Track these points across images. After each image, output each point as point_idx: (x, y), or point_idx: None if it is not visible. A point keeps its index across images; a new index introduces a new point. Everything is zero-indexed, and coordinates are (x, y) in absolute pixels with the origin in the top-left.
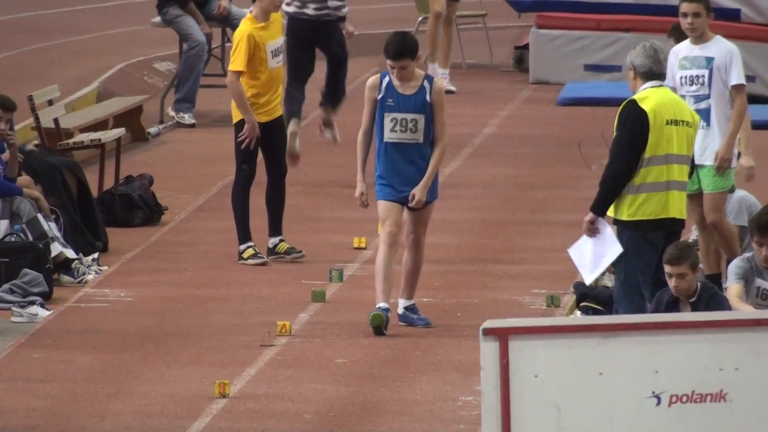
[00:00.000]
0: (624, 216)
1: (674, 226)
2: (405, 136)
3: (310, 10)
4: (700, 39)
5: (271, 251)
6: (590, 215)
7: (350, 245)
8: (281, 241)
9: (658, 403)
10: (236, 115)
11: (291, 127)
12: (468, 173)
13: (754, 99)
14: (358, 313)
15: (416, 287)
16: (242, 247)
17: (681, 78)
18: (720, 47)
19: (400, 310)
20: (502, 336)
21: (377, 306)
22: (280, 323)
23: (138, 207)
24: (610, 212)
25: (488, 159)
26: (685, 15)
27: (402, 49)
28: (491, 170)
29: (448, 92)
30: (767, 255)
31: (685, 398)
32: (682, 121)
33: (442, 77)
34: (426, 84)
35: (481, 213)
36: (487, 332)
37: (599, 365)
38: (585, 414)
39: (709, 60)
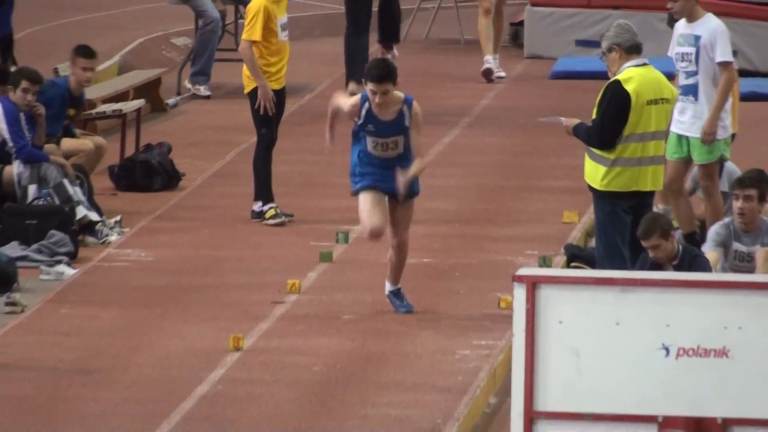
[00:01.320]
0: (598, 186)
1: (644, 198)
2: (385, 153)
3: None
4: (690, 18)
5: (258, 214)
6: (572, 130)
7: (355, 209)
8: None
9: (667, 354)
10: (248, 85)
11: (350, 87)
12: (466, 142)
13: (737, 74)
14: (362, 273)
15: (401, 275)
16: (265, 207)
17: (675, 54)
18: (707, 26)
19: (386, 292)
20: (529, 283)
21: None
22: (291, 282)
23: (157, 173)
24: (587, 179)
25: (485, 129)
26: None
27: (385, 73)
28: (488, 139)
29: (499, 77)
30: (741, 205)
31: (691, 352)
32: (662, 99)
33: (494, 62)
34: (405, 109)
35: (478, 179)
36: (516, 279)
37: (617, 316)
38: (601, 360)
39: (697, 38)
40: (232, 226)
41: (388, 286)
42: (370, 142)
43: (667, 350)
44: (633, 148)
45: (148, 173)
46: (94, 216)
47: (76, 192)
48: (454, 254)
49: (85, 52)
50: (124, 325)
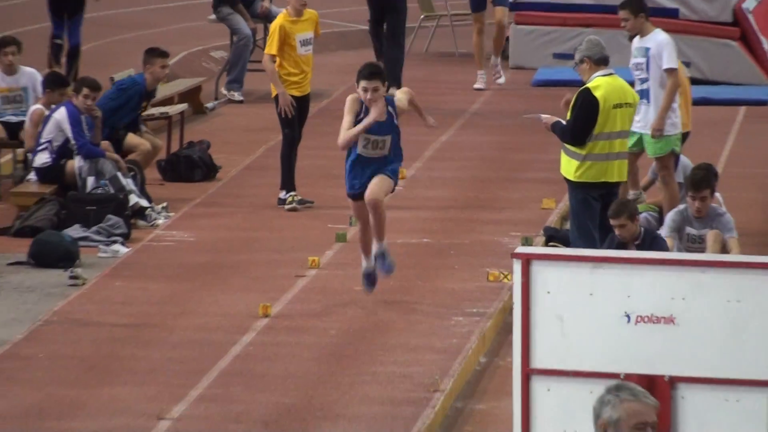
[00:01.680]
0: (572, 177)
1: (611, 187)
2: (374, 153)
3: None
4: (641, 34)
5: (282, 201)
6: (550, 127)
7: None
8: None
9: (628, 321)
10: (273, 91)
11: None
12: (460, 140)
13: (689, 81)
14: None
15: (384, 233)
16: (287, 195)
17: (632, 65)
18: (655, 39)
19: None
20: (524, 260)
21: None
22: (311, 258)
23: (198, 166)
24: (562, 172)
25: (477, 128)
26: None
27: (374, 71)
28: (479, 138)
29: (498, 83)
30: (698, 206)
31: (646, 319)
32: (626, 104)
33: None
34: (390, 109)
35: (470, 171)
36: (514, 256)
37: (590, 287)
38: (579, 324)
39: (647, 50)
40: (261, 211)
41: (374, 248)
42: (362, 141)
43: (629, 317)
44: (601, 145)
45: (190, 166)
46: (144, 203)
47: (128, 182)
48: (449, 235)
49: (161, 52)
50: (169, 296)
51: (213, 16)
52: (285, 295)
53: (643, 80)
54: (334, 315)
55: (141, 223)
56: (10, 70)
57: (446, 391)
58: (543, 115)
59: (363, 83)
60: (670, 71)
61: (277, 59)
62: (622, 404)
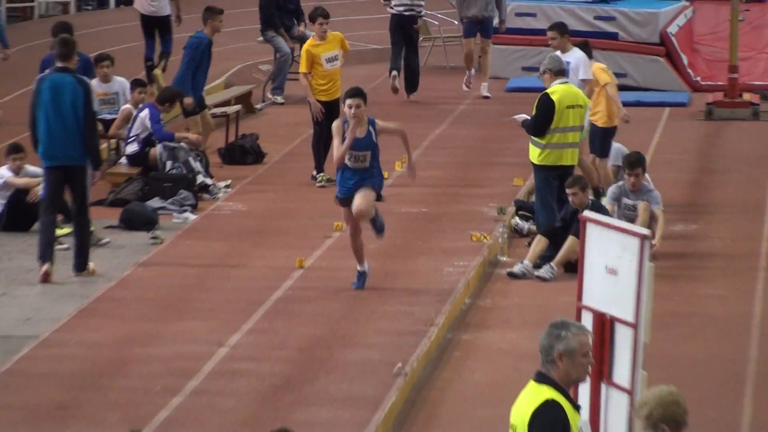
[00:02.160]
0: (536, 161)
1: (566, 169)
2: (357, 164)
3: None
4: (563, 50)
5: (314, 178)
6: (521, 123)
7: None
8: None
9: (606, 271)
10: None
11: (393, 73)
12: (450, 133)
13: (626, 87)
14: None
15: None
16: (318, 175)
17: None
18: (575, 56)
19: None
20: (582, 223)
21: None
22: (336, 223)
23: (249, 153)
24: (529, 157)
25: (463, 124)
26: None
27: (358, 92)
28: (464, 131)
29: (485, 96)
30: (633, 182)
31: (611, 271)
32: (577, 105)
33: (483, 86)
34: (371, 129)
35: (458, 157)
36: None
37: (594, 248)
38: (593, 273)
39: (568, 63)
40: (298, 187)
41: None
42: (348, 156)
43: (606, 268)
44: (558, 137)
45: (243, 153)
46: (208, 181)
47: (196, 165)
48: (441, 206)
49: (219, 9)
50: (227, 252)
51: (261, 38)
52: (315, 252)
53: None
54: (354, 267)
55: (205, 196)
56: (106, 79)
57: (439, 325)
58: (516, 116)
59: (348, 101)
60: (585, 81)
61: (311, 73)
62: (575, 337)
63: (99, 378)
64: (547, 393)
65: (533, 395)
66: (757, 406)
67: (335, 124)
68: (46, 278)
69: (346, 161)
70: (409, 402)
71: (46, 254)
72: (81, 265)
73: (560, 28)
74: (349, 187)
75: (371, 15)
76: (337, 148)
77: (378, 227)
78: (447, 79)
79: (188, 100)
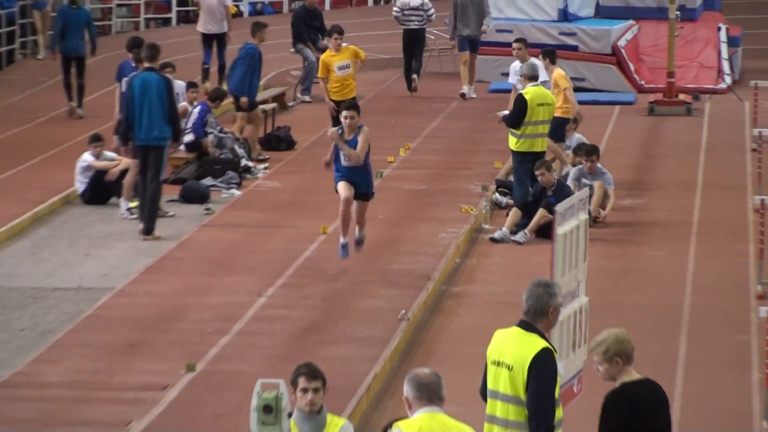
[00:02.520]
0: (514, 147)
1: (537, 154)
2: (348, 163)
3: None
4: (522, 60)
5: None
6: (502, 118)
7: (386, 160)
8: None
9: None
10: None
11: (414, 76)
12: (444, 126)
13: (585, 89)
14: (390, 193)
15: (364, 227)
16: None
17: (515, 78)
18: (515, 64)
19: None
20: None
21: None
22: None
23: (283, 141)
24: (509, 145)
25: (454, 118)
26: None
27: (352, 105)
28: (455, 124)
29: (471, 97)
30: (589, 166)
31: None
32: (546, 103)
33: (468, 89)
34: (358, 134)
35: (450, 145)
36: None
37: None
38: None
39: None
40: (322, 170)
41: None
42: (342, 156)
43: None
44: (530, 129)
45: (278, 141)
46: (250, 164)
47: (241, 151)
48: (437, 184)
49: (263, 24)
50: (265, 221)
51: (292, 50)
52: (336, 221)
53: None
54: (366, 232)
55: (248, 176)
56: None
57: (435, 280)
58: (498, 113)
59: (344, 112)
60: (543, 82)
61: (327, 78)
62: (559, 295)
63: (162, 322)
64: (541, 342)
65: (529, 343)
66: (690, 344)
67: (331, 131)
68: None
69: (342, 161)
70: (410, 341)
71: (140, 206)
72: (149, 230)
73: (524, 41)
74: (343, 173)
75: (383, 31)
76: (330, 152)
77: (359, 241)
78: (441, 83)
79: (244, 100)
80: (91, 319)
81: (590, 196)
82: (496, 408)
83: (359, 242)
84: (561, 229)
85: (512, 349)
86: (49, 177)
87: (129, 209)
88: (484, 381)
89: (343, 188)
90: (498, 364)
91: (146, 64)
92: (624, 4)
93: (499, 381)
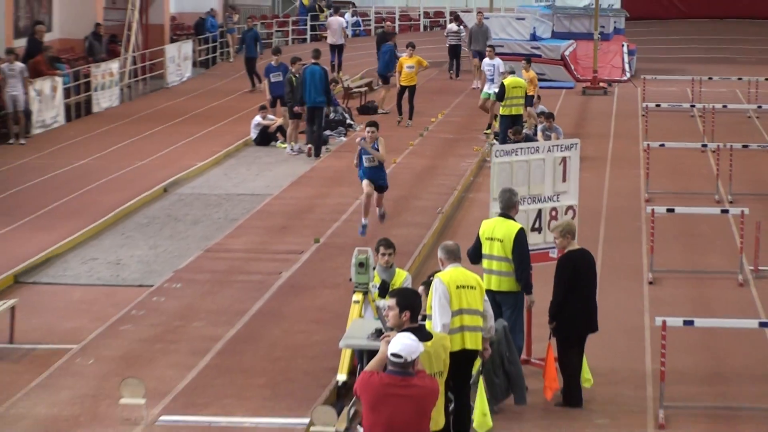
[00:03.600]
0: (501, 113)
1: (515, 117)
2: (371, 164)
3: (453, 41)
4: (491, 59)
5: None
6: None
7: (430, 121)
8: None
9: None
10: (401, 83)
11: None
12: (463, 102)
13: (544, 80)
14: (432, 141)
15: (382, 204)
16: (399, 117)
17: (486, 69)
18: (497, 61)
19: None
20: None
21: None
22: (410, 142)
23: (371, 109)
24: (500, 112)
25: (469, 97)
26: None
27: (372, 124)
28: (470, 101)
29: (477, 87)
30: (548, 125)
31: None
32: (517, 86)
33: (477, 83)
34: (377, 143)
35: (467, 112)
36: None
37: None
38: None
39: (494, 65)
40: (393, 124)
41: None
42: (365, 160)
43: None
44: (508, 101)
45: (368, 109)
46: (351, 122)
47: (346, 115)
48: (459, 134)
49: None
50: (334, 177)
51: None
52: (399, 156)
53: (492, 76)
54: (400, 179)
55: (350, 130)
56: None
57: (458, 189)
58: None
59: (367, 128)
60: (504, 74)
61: (401, 72)
62: (517, 196)
63: (300, 213)
64: (517, 224)
65: (510, 225)
66: (606, 228)
67: (358, 140)
68: (309, 152)
69: (365, 162)
70: (443, 225)
71: (309, 141)
72: (318, 154)
73: (492, 48)
74: (365, 172)
75: (430, 45)
76: (357, 155)
77: (382, 215)
78: (462, 77)
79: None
80: (259, 212)
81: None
82: (492, 265)
83: (382, 216)
84: (496, 160)
85: (500, 229)
86: (236, 129)
87: (291, 149)
88: (475, 250)
89: (366, 185)
90: (491, 239)
91: (312, 60)
92: (568, 30)
93: (493, 249)
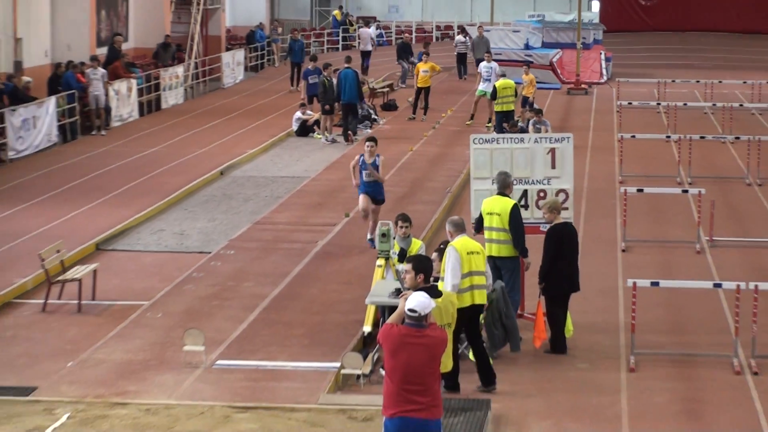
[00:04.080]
0: (496, 109)
1: (507, 113)
2: (369, 179)
3: (460, 50)
4: (488, 61)
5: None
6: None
7: (441, 116)
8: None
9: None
10: (417, 83)
11: (464, 77)
12: (469, 100)
13: (538, 82)
14: (443, 133)
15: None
16: (413, 114)
17: (483, 71)
18: (494, 64)
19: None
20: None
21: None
22: (424, 134)
23: (393, 106)
24: (495, 109)
25: (464, 109)
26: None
27: (371, 140)
28: (464, 114)
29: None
30: (537, 118)
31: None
32: (509, 87)
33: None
34: (377, 158)
35: (460, 123)
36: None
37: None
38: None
39: (491, 66)
40: (405, 121)
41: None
42: (365, 175)
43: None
44: (501, 100)
45: (389, 107)
46: (376, 117)
47: (371, 112)
48: (449, 147)
49: (427, 50)
50: (383, 143)
51: (397, 62)
52: (417, 144)
53: (488, 76)
54: (416, 164)
55: (375, 123)
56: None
57: (464, 172)
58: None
59: (367, 143)
60: (501, 76)
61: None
62: (510, 177)
63: (332, 192)
64: (512, 201)
65: (507, 201)
66: (587, 206)
67: (354, 159)
68: (350, 139)
69: (363, 177)
70: (453, 202)
71: (346, 131)
72: (353, 138)
73: (490, 53)
74: (364, 187)
75: (442, 53)
76: (351, 167)
77: (371, 241)
78: (468, 80)
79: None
80: (299, 191)
81: (539, 131)
82: (492, 234)
83: (372, 241)
84: (473, 146)
85: (498, 205)
86: (280, 123)
87: (325, 139)
88: (479, 222)
89: (362, 200)
90: (491, 213)
91: (346, 65)
92: (555, 41)
93: (492, 222)
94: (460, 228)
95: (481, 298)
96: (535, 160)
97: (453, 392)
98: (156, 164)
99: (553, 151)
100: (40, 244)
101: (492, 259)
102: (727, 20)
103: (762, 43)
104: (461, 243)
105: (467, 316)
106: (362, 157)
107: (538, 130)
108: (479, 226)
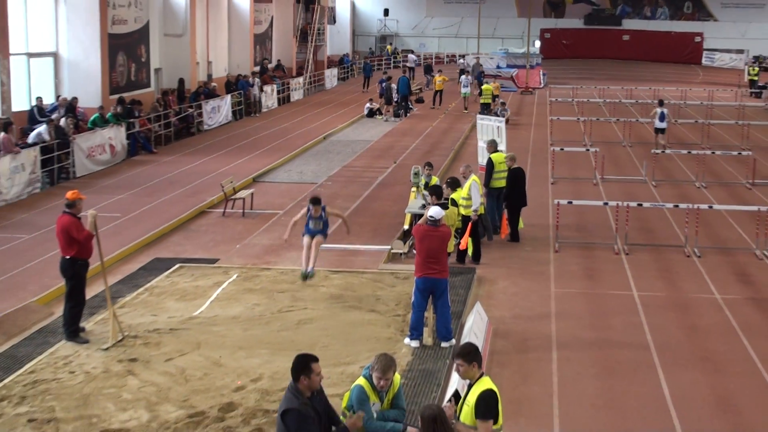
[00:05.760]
0: (481, 101)
1: (486, 105)
2: (315, 227)
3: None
4: (467, 77)
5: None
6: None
7: (438, 115)
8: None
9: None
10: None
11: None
12: (458, 106)
13: (502, 87)
14: (444, 121)
15: (316, 261)
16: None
17: (463, 80)
18: (466, 78)
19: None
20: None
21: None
22: (440, 116)
23: (420, 101)
24: (481, 101)
25: (450, 119)
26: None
27: (316, 199)
28: (461, 105)
29: (475, 94)
30: (501, 108)
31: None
32: (489, 90)
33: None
34: (323, 212)
35: (459, 111)
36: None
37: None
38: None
39: (481, 74)
40: (428, 110)
41: (306, 268)
42: (311, 223)
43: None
44: (484, 97)
45: (418, 101)
46: (413, 107)
47: (407, 104)
48: (453, 124)
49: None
50: (414, 123)
51: (424, 75)
52: (435, 121)
53: (466, 84)
54: (434, 135)
55: (410, 111)
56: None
57: (460, 140)
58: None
59: (311, 206)
60: (471, 83)
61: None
62: (490, 141)
63: (386, 150)
64: (502, 155)
65: (500, 154)
66: (531, 166)
67: (299, 215)
68: (400, 116)
69: (310, 225)
70: (456, 155)
71: (398, 112)
72: (398, 115)
73: (469, 71)
74: (311, 231)
75: (448, 71)
76: (294, 220)
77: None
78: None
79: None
80: (368, 149)
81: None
82: (500, 174)
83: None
84: (478, 120)
85: (498, 156)
86: (358, 110)
87: (385, 119)
88: (489, 173)
89: (306, 241)
90: (500, 162)
91: (402, 74)
92: (514, 64)
93: (501, 167)
94: (470, 169)
95: (481, 209)
96: (494, 132)
97: (459, 263)
98: (286, 133)
99: (498, 128)
100: (220, 177)
101: (500, 189)
102: (614, 51)
103: (634, 65)
104: (476, 179)
105: (470, 219)
106: (308, 213)
107: (503, 114)
108: (491, 171)
